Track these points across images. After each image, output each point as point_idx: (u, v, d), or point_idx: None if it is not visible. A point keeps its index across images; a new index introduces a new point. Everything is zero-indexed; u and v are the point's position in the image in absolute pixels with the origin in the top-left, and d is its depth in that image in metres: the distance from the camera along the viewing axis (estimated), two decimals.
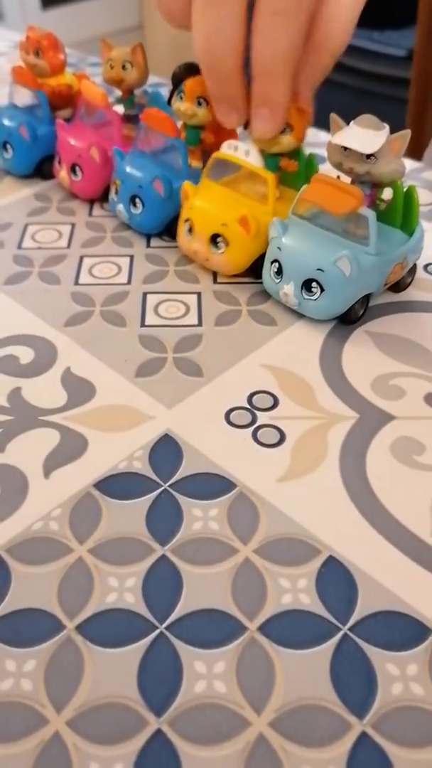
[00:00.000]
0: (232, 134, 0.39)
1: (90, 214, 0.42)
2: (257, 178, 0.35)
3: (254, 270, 0.36)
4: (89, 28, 1.95)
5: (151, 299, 0.35)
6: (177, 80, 0.37)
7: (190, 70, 0.37)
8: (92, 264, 0.38)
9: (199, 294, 0.36)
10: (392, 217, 0.34)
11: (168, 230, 0.39)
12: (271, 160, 0.35)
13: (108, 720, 0.20)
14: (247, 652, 0.22)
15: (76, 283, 0.36)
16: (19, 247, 0.39)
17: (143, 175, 0.37)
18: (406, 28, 1.11)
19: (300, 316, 0.34)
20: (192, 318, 0.34)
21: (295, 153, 0.36)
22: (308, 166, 0.37)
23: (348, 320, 0.33)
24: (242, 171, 0.36)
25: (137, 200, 0.38)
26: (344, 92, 1.08)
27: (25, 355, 0.32)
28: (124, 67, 0.40)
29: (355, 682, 0.21)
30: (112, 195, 0.40)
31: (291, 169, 0.36)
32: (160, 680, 0.21)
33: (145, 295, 0.36)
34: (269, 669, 0.21)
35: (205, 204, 0.35)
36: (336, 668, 0.21)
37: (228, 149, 0.35)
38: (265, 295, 0.35)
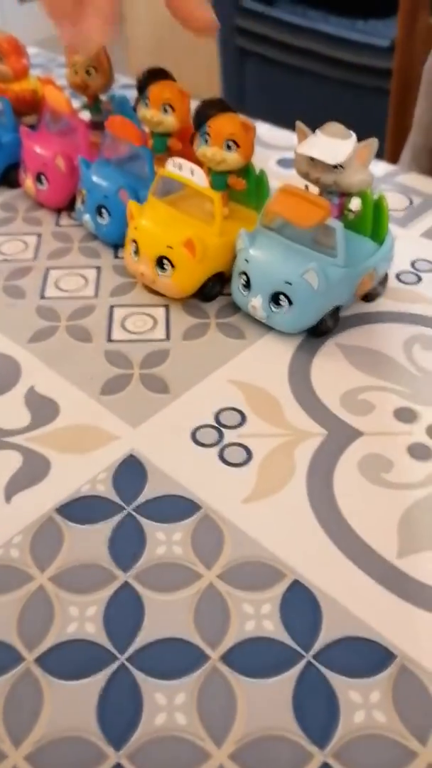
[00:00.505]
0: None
1: (57, 223, 0.41)
2: (206, 197, 0.34)
3: (203, 293, 0.35)
4: None
5: (118, 312, 0.35)
6: (141, 86, 0.36)
7: (155, 75, 0.36)
8: (58, 276, 0.37)
9: (167, 306, 0.35)
10: (362, 226, 0.34)
11: None
12: (218, 178, 0.34)
13: (67, 754, 0.20)
14: (209, 682, 0.21)
15: (42, 296, 0.36)
16: None
17: (109, 185, 0.37)
18: (390, 18, 1.10)
19: (269, 328, 0.33)
20: (159, 332, 0.34)
21: (244, 170, 0.35)
22: (258, 183, 0.36)
23: (318, 332, 0.33)
24: (190, 187, 0.35)
25: (103, 210, 0.37)
26: (326, 84, 1.07)
27: None
28: (88, 72, 0.39)
29: (317, 711, 0.21)
30: (79, 205, 0.39)
31: (239, 187, 0.34)
32: (119, 713, 0.21)
33: (112, 308, 0.35)
34: (231, 699, 0.21)
35: (150, 225, 0.34)
36: (298, 697, 0.21)
37: (173, 167, 0.34)
38: (234, 307, 0.35)
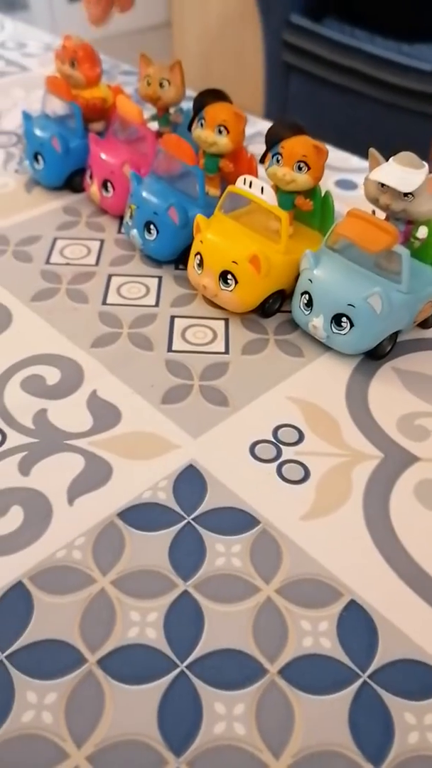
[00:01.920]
0: (251, 164, 0.39)
1: (119, 230, 0.42)
2: (271, 214, 0.34)
3: (263, 309, 0.35)
4: (116, 23, 1.94)
5: (179, 323, 0.35)
6: (198, 106, 0.37)
7: (212, 95, 0.37)
8: (120, 283, 0.38)
9: (226, 320, 0.36)
10: (424, 253, 0.34)
11: (183, 259, 0.38)
12: (286, 197, 0.35)
13: (127, 757, 0.20)
14: (267, 695, 0.22)
15: (104, 302, 0.36)
16: (48, 262, 0.39)
17: (159, 202, 0.37)
18: None
19: (327, 348, 0.34)
20: (219, 345, 0.34)
21: (311, 191, 0.35)
22: (324, 204, 0.36)
23: (376, 356, 0.33)
24: (254, 204, 0.35)
25: (152, 227, 0.37)
26: (371, 105, 1.07)
27: (52, 375, 0.32)
28: (161, 85, 0.40)
29: (372, 730, 0.21)
30: (127, 219, 0.39)
31: (306, 208, 0.35)
32: (180, 719, 0.21)
33: (172, 318, 0.36)
34: (288, 713, 0.22)
35: (216, 239, 0.34)
36: (354, 715, 0.22)
37: (243, 185, 0.34)
38: (293, 325, 0.35)
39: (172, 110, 0.42)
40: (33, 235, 0.41)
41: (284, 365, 0.33)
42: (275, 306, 0.35)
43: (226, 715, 0.21)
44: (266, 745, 0.21)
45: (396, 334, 0.33)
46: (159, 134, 0.41)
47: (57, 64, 0.43)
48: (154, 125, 0.42)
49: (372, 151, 0.31)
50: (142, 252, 0.40)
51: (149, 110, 0.42)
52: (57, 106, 0.44)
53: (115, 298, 0.37)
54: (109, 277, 0.38)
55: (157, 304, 0.36)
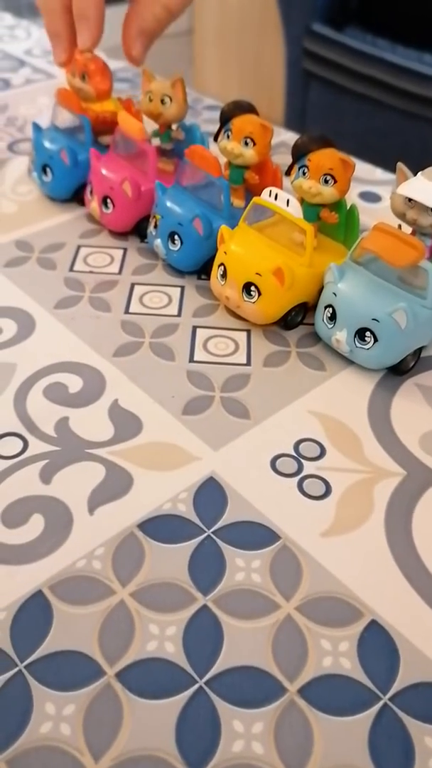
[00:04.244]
0: (275, 175, 0.39)
1: (142, 239, 0.42)
2: (296, 227, 0.34)
3: (285, 321, 0.35)
4: None
5: (201, 334, 0.35)
6: (225, 118, 0.37)
7: (239, 107, 0.36)
8: (143, 292, 0.38)
9: (248, 332, 0.36)
10: None
11: (206, 270, 0.38)
12: (311, 210, 0.34)
13: None
14: (286, 714, 0.22)
15: (127, 311, 0.36)
16: (71, 269, 0.39)
17: (183, 213, 0.37)
18: None
19: (349, 362, 0.34)
20: (241, 356, 0.34)
21: (336, 204, 0.35)
22: (349, 217, 0.36)
23: (399, 371, 0.33)
24: (278, 215, 0.35)
25: (176, 237, 0.37)
26: (391, 114, 1.07)
27: (74, 383, 0.32)
28: (162, 101, 0.39)
29: (392, 754, 0.21)
30: (151, 229, 0.39)
31: (331, 221, 0.35)
32: (198, 736, 0.21)
33: (194, 329, 0.36)
34: (307, 734, 0.21)
35: (240, 250, 0.34)
36: (374, 738, 0.21)
37: (268, 197, 0.34)
38: (315, 338, 0.35)
39: (174, 126, 0.41)
40: (57, 242, 0.41)
41: (306, 378, 0.33)
42: (298, 318, 0.35)
43: (245, 733, 0.21)
44: (284, 765, 0.21)
45: (420, 349, 0.33)
46: (159, 150, 0.41)
47: (67, 76, 0.43)
48: (156, 141, 0.41)
49: (400, 165, 0.31)
50: (165, 262, 0.40)
51: (152, 126, 0.41)
52: (67, 119, 0.44)
53: (138, 307, 0.37)
54: (132, 286, 0.38)
55: (179, 314, 0.36)
